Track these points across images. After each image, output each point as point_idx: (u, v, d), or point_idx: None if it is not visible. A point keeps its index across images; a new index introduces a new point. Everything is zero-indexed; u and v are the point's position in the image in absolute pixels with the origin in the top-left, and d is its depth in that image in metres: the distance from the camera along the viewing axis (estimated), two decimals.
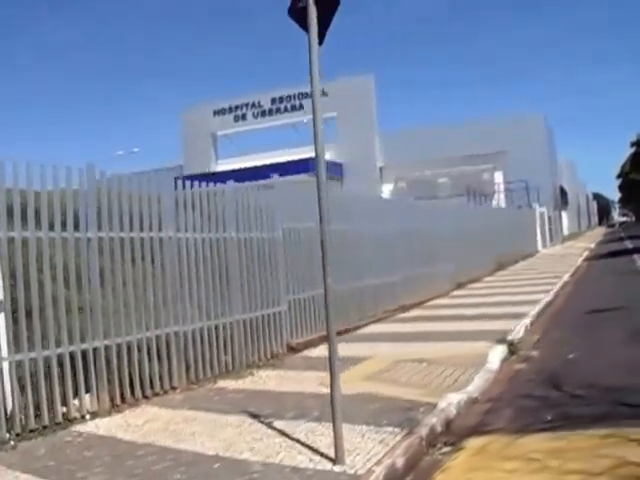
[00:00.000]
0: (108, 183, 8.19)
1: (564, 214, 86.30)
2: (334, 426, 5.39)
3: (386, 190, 59.95)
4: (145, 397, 8.12)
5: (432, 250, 17.81)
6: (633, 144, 52.13)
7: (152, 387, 8.28)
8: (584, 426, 5.79)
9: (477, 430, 6.20)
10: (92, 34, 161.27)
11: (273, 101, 64.12)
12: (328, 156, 59.24)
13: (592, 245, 49.24)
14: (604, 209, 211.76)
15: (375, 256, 14.19)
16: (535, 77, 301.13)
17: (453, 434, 6.19)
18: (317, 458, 5.44)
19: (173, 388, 8.56)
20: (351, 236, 13.25)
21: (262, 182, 11.98)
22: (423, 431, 5.94)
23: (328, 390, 7.69)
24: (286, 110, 63.59)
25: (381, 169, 60.69)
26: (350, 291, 12.88)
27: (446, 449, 5.81)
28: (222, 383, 8.86)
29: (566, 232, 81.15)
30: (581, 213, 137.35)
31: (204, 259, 9.38)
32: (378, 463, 5.19)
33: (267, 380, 8.87)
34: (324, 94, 61.21)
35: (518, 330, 11.18)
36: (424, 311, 14.93)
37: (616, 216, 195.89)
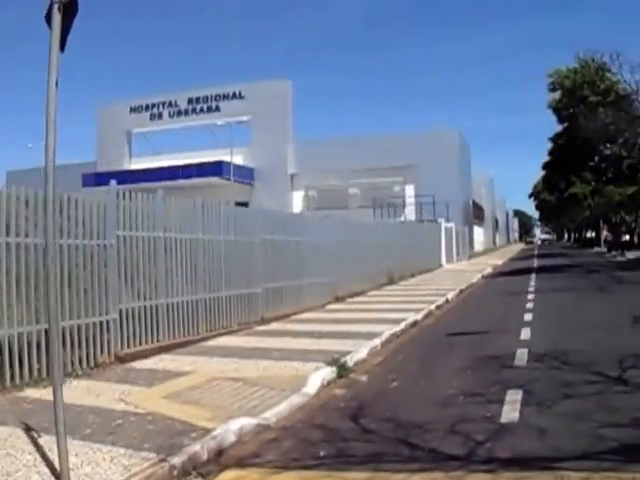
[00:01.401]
0: None
1: (480, 229, 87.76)
2: (59, 452, 5.06)
3: (297, 198, 59.95)
4: None
5: (306, 262, 17.50)
6: (544, 166, 53.20)
7: None
8: (348, 467, 5.54)
9: (242, 462, 5.87)
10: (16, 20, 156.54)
11: (189, 101, 63.80)
12: (240, 160, 59.27)
13: (500, 262, 49.96)
14: (525, 226, 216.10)
15: (232, 267, 13.79)
16: (460, 94, 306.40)
17: (217, 464, 5.84)
18: None
19: None
20: (204, 246, 12.87)
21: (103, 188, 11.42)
22: (178, 459, 5.59)
23: (123, 406, 7.45)
24: (202, 111, 63.37)
25: (292, 176, 60.62)
26: (199, 302, 12.54)
27: None
28: (28, 392, 8.37)
29: (481, 247, 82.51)
30: (500, 229, 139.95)
31: (18, 265, 8.90)
32: None
33: (73, 391, 8.40)
34: (240, 97, 61.46)
35: (362, 351, 10.87)
36: (283, 325, 14.54)
37: (538, 233, 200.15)
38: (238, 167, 58.24)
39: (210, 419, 6.78)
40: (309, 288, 17.57)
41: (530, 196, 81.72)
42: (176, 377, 9.08)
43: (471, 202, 71.32)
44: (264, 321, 14.69)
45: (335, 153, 56.06)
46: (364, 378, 9.37)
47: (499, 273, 37.11)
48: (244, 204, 52.96)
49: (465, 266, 43.45)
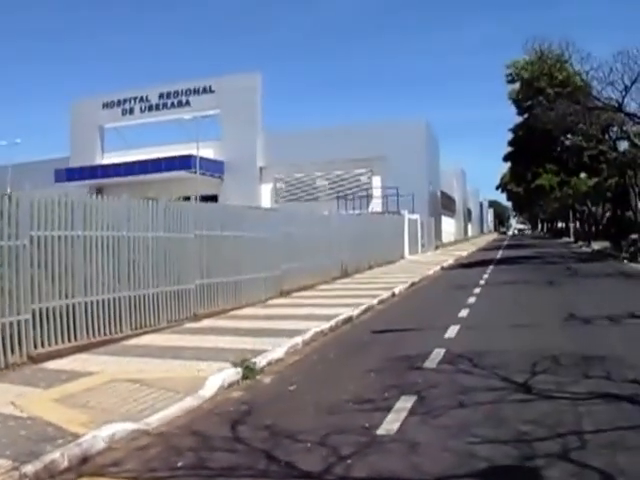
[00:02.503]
0: None
1: (451, 220, 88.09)
2: None
3: (265, 190, 59.99)
4: None
5: (246, 257, 17.36)
6: (505, 158, 53.34)
7: None
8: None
9: (99, 471, 5.82)
10: None
11: (160, 96, 64.12)
12: (211, 154, 59.17)
13: (465, 253, 50.18)
14: (500, 216, 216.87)
15: (161, 264, 13.60)
16: (431, 86, 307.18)
17: (77, 472, 5.76)
18: None
19: None
20: (129, 243, 12.70)
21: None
22: (31, 467, 5.52)
23: (10, 410, 7.36)
24: (173, 106, 63.57)
25: (262, 169, 60.64)
26: (122, 300, 12.37)
27: None
28: None
29: (452, 238, 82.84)
30: (473, 220, 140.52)
31: None
32: None
33: None
34: (210, 91, 61.32)
35: (278, 350, 10.74)
36: (215, 322, 14.38)
37: (514, 223, 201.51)
38: (207, 160, 58.28)
39: (86, 424, 6.71)
40: (250, 283, 17.44)
41: (497, 188, 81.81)
42: (79, 378, 8.98)
43: (439, 193, 71.44)
44: (197, 318, 14.55)
45: (304, 145, 56.08)
46: (268, 380, 9.28)
47: (459, 265, 37.27)
48: (213, 197, 53.33)
49: (429, 258, 43.53)
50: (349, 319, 14.95)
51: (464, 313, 15.28)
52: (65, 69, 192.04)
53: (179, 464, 5.87)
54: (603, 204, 59.86)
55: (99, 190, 61.08)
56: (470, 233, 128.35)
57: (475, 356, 9.86)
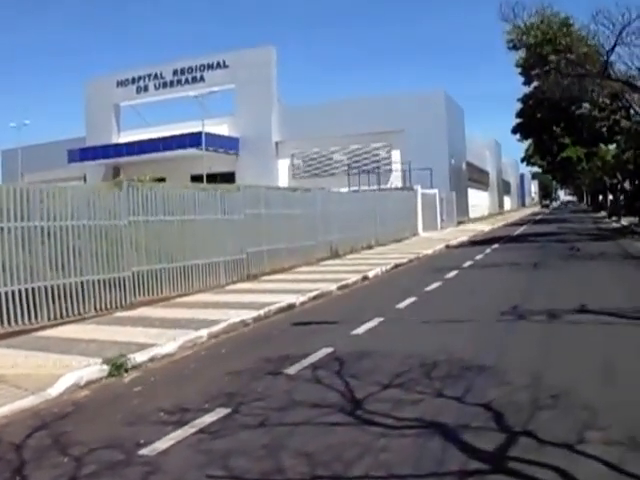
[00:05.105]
0: None
1: (483, 194, 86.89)
2: None
3: (282, 166, 59.67)
4: None
5: (198, 241, 17.05)
6: (514, 130, 52.03)
7: None
8: None
9: None
10: None
11: (175, 72, 64.14)
12: (225, 130, 58.95)
13: (487, 229, 49.62)
14: (547, 189, 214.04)
15: (86, 252, 13.33)
16: (470, 57, 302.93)
17: None
18: None
19: None
20: (44, 233, 12.48)
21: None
22: None
23: None
24: (187, 82, 63.42)
25: (278, 144, 60.22)
26: (39, 290, 12.17)
27: None
28: None
29: (485, 212, 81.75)
30: (512, 193, 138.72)
31: None
32: None
33: None
34: (224, 66, 60.97)
35: (171, 344, 10.35)
36: (148, 310, 13.84)
37: (562, 195, 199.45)
38: (221, 137, 58.10)
39: None
40: (204, 268, 17.11)
41: (522, 160, 79.85)
42: None
43: (464, 166, 69.78)
44: (133, 306, 14.20)
45: (320, 119, 55.75)
46: (128, 379, 8.92)
47: (469, 242, 36.59)
48: (230, 175, 53.15)
49: (443, 235, 42.50)
50: (290, 307, 14.48)
51: (407, 302, 14.61)
52: (75, 51, 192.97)
53: None
54: (631, 177, 58.19)
55: (116, 169, 61.50)
56: (509, 206, 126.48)
57: (352, 360, 9.08)
